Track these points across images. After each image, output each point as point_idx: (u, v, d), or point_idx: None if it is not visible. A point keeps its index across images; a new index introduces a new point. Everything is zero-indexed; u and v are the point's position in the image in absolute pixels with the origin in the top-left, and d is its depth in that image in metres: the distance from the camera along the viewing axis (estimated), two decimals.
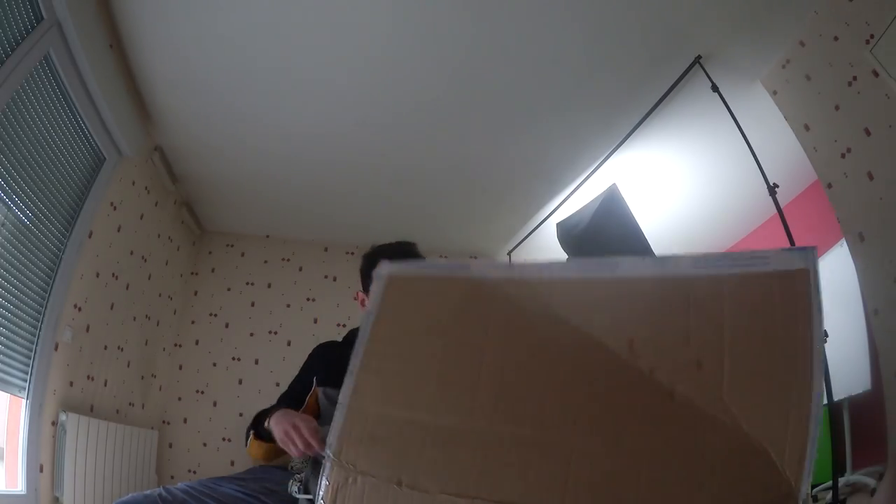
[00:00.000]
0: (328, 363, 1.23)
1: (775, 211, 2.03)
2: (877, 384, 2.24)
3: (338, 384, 1.16)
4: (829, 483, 1.76)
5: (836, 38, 2.06)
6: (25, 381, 2.02)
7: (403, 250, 1.24)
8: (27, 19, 1.81)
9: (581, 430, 0.47)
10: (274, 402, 1.26)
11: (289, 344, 3.79)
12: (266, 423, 1.04)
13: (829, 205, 2.16)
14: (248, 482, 1.10)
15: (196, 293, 3.87)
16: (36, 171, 2.02)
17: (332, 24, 2.21)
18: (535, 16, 2.17)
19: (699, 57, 2.35)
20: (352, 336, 1.31)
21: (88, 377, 2.45)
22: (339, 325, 3.75)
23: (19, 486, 1.94)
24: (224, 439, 3.47)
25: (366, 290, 1.25)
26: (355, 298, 1.31)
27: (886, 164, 1.85)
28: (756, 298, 0.51)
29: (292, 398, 1.21)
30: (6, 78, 1.73)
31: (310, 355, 1.30)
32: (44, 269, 2.13)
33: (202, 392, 3.57)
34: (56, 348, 2.15)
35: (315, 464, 0.99)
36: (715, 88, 2.32)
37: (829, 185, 2.15)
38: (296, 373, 1.31)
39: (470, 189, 3.53)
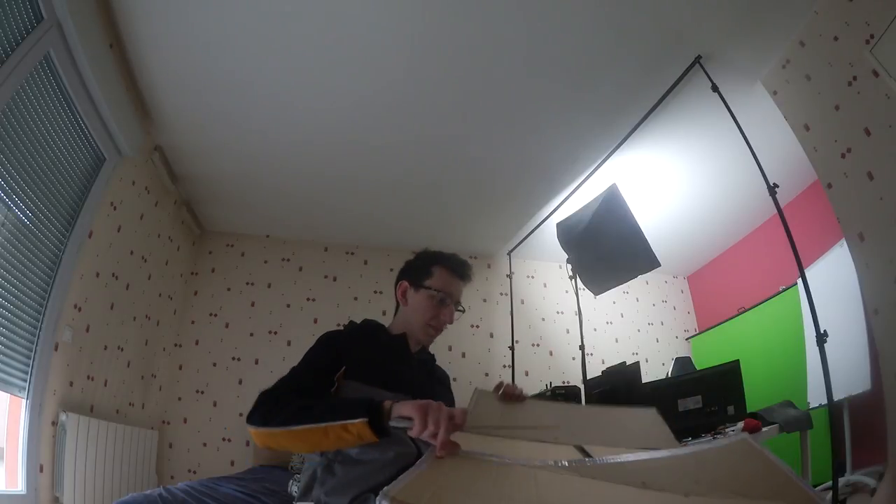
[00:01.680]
0: (351, 355, 1.09)
1: (775, 211, 2.03)
2: (877, 384, 2.24)
3: (362, 378, 1.03)
4: (829, 483, 1.75)
5: (836, 38, 2.06)
6: (25, 381, 2.02)
7: (466, 268, 1.25)
8: (27, 19, 1.81)
9: None
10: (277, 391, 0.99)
11: (289, 344, 3.79)
12: (389, 409, 0.83)
13: (829, 205, 2.16)
14: (248, 482, 1.09)
15: (196, 293, 3.87)
16: (36, 171, 2.02)
17: (332, 26, 2.21)
18: (534, 17, 2.17)
19: (699, 57, 2.35)
20: (359, 328, 1.22)
21: (88, 377, 2.45)
22: (338, 325, 3.73)
23: (19, 486, 1.94)
24: (224, 439, 3.47)
25: (414, 284, 1.21)
26: (397, 286, 1.26)
27: (886, 164, 1.85)
28: None
29: (307, 389, 1.00)
30: (6, 78, 1.74)
31: (327, 344, 1.12)
32: (44, 269, 2.13)
33: (202, 392, 3.57)
34: (56, 348, 2.15)
35: (327, 466, 0.97)
36: (715, 88, 2.32)
37: (829, 185, 2.15)
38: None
39: (470, 189, 3.53)
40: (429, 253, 1.27)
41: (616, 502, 0.52)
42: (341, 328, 1.22)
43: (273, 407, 0.92)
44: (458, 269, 1.23)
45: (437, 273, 1.21)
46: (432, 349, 1.32)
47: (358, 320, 1.27)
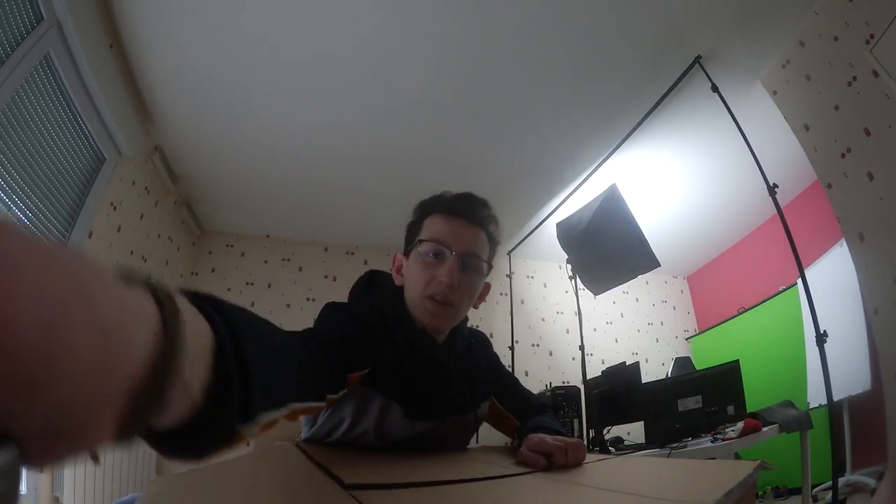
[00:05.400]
0: (380, 356, 0.78)
1: (775, 211, 2.03)
2: (877, 384, 2.24)
3: (383, 389, 0.78)
4: (829, 483, 1.75)
5: (836, 38, 2.06)
6: None
7: (469, 203, 0.87)
8: (27, 19, 1.81)
9: None
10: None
11: None
12: None
13: (829, 205, 2.16)
14: None
15: None
16: (36, 171, 2.02)
17: (332, 27, 2.21)
18: (535, 17, 2.17)
19: (699, 57, 2.35)
20: (383, 315, 0.86)
21: None
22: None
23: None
24: None
25: (406, 251, 0.89)
26: (393, 262, 0.94)
27: (886, 164, 1.85)
28: None
29: (328, 368, 0.64)
30: (6, 78, 1.73)
31: (363, 327, 0.79)
32: None
33: None
34: None
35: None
36: (715, 88, 2.32)
37: (829, 185, 2.15)
38: None
39: (470, 189, 3.52)
40: (419, 204, 0.91)
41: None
42: (351, 306, 0.91)
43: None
44: (453, 207, 0.85)
45: (428, 223, 0.85)
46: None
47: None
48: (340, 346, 0.69)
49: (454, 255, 0.80)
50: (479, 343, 1.01)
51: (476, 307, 0.88)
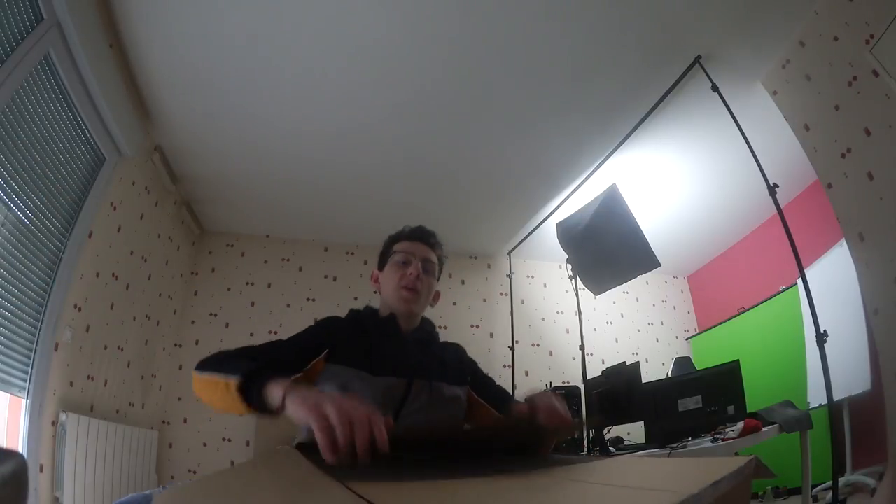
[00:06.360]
0: (340, 340, 1.08)
1: (775, 211, 2.03)
2: (877, 384, 2.24)
3: (345, 362, 1.02)
4: (829, 483, 1.75)
5: (836, 38, 2.06)
6: (25, 381, 2.02)
7: (424, 232, 1.25)
8: (27, 19, 1.81)
9: None
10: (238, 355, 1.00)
11: None
12: (267, 389, 0.73)
13: (829, 205, 2.16)
14: None
15: (196, 293, 3.87)
16: (36, 171, 2.02)
17: (332, 26, 2.21)
18: (535, 17, 2.17)
19: (699, 57, 2.36)
20: (356, 315, 1.19)
21: (88, 377, 2.45)
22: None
23: None
24: (224, 439, 3.47)
25: (381, 267, 1.26)
26: (371, 277, 1.30)
27: (886, 164, 1.85)
28: None
29: (279, 361, 1.00)
30: (6, 78, 1.73)
31: (320, 324, 1.13)
32: (44, 269, 2.13)
33: None
34: (56, 348, 2.15)
35: None
36: (715, 88, 2.32)
37: (829, 185, 2.15)
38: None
39: (470, 189, 3.53)
40: (388, 237, 1.29)
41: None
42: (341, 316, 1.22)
43: (218, 355, 0.93)
44: (413, 234, 1.25)
45: (396, 246, 1.24)
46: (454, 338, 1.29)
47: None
48: (296, 347, 1.07)
49: (417, 260, 1.18)
50: (451, 347, 1.26)
51: (432, 306, 1.24)
